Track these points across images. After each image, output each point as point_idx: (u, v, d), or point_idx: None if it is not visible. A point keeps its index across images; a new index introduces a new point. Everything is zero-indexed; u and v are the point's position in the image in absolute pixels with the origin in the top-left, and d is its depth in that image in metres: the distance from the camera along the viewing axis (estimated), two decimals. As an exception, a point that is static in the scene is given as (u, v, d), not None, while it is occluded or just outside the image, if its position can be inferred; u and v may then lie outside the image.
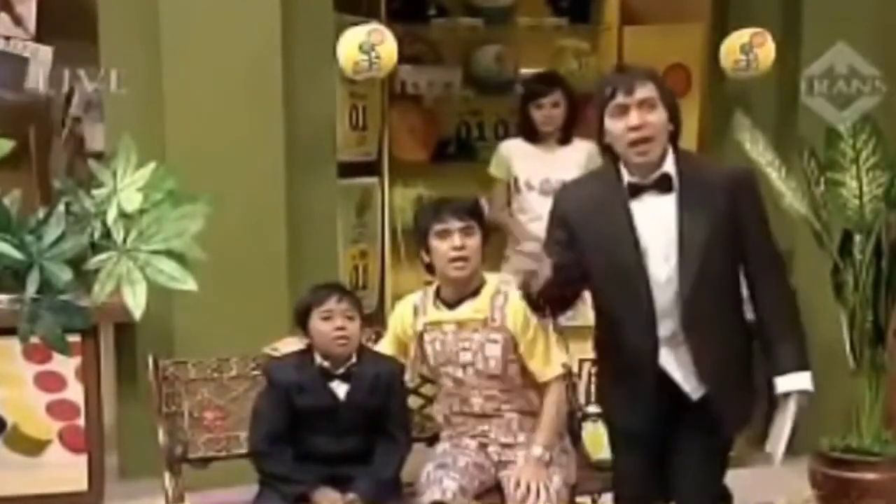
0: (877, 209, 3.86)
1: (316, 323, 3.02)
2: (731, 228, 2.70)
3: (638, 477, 2.92)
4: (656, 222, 2.71)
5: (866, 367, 3.92)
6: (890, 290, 3.90)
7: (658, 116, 2.67)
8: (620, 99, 2.67)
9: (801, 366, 2.77)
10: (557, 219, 2.88)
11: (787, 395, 2.77)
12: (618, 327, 2.81)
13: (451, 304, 3.09)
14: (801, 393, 2.77)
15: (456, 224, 3.03)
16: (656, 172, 2.71)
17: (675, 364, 2.77)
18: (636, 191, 2.72)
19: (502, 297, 3.06)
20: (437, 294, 3.14)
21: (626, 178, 2.74)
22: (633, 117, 2.66)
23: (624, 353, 2.81)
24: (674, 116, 2.72)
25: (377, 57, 4.17)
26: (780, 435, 2.82)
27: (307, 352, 3.07)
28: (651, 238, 2.71)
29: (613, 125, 2.69)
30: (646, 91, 2.67)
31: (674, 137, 2.74)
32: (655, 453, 2.86)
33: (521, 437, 3.08)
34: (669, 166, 2.72)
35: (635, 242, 2.71)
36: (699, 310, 2.71)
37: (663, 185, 2.71)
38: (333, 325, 3.00)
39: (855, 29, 4.37)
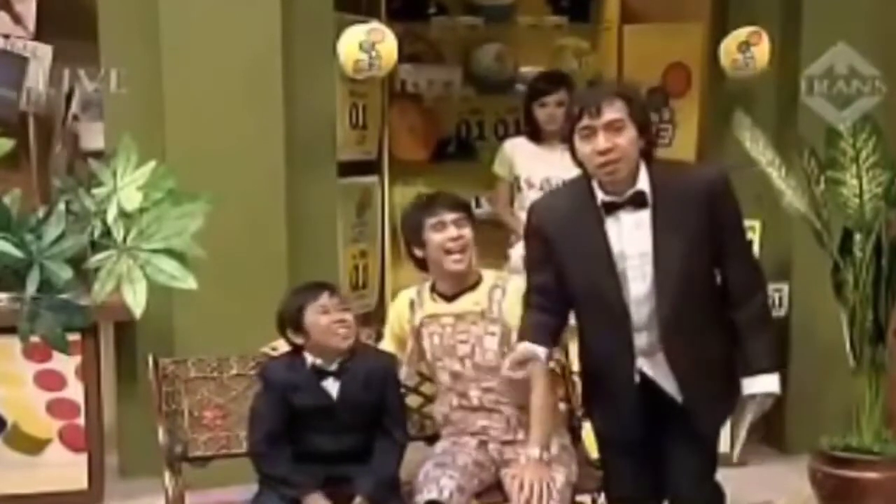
0: (877, 208, 3.86)
1: (314, 318, 3.00)
2: (708, 237, 2.69)
3: (628, 479, 2.92)
4: (631, 240, 2.70)
5: (866, 366, 3.93)
6: (890, 289, 3.91)
7: (626, 137, 2.64)
8: (587, 121, 2.65)
9: (769, 368, 2.77)
10: (533, 234, 2.87)
11: (752, 395, 2.77)
12: (596, 340, 2.83)
13: (449, 298, 3.12)
14: (767, 395, 2.78)
15: (449, 216, 3.07)
16: (630, 190, 2.69)
17: (655, 371, 2.78)
18: (610, 208, 2.70)
19: (500, 291, 3.09)
20: (433, 288, 3.16)
21: (600, 196, 2.71)
22: (601, 141, 2.63)
23: (604, 366, 2.83)
24: (645, 132, 2.69)
25: (377, 56, 4.18)
26: (740, 434, 2.89)
27: (298, 353, 3.07)
28: (627, 256, 2.70)
29: (582, 147, 2.68)
30: (613, 112, 2.63)
31: (646, 152, 2.72)
32: (644, 454, 2.86)
33: (521, 435, 3.08)
34: (643, 183, 2.69)
35: (611, 261, 2.70)
36: (677, 324, 2.71)
37: (637, 201, 2.69)
38: (333, 317, 3.00)
39: (855, 29, 4.37)
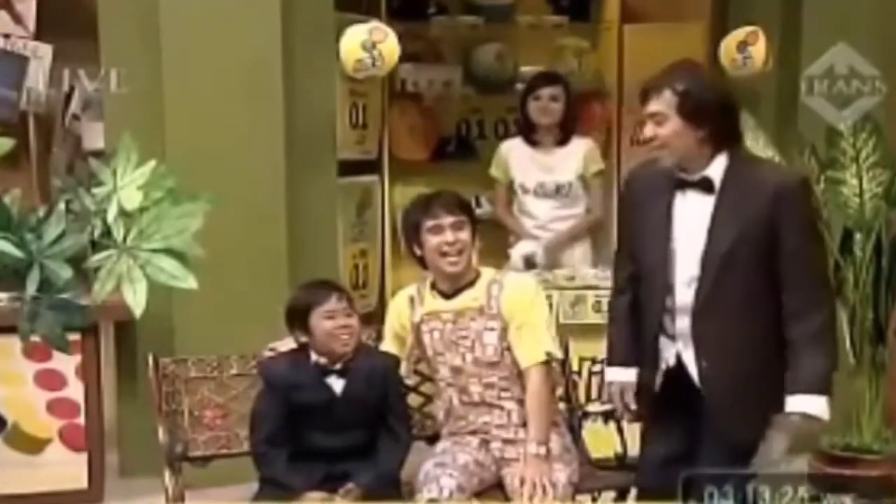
0: (877, 207, 3.86)
1: (319, 322, 3.03)
2: (765, 235, 2.67)
3: (660, 468, 2.89)
4: (692, 221, 2.74)
5: (866, 366, 3.93)
6: (890, 289, 3.91)
7: (668, 129, 2.70)
8: (643, 108, 2.77)
9: (816, 390, 2.67)
10: (624, 198, 3.06)
11: (790, 414, 2.68)
12: (642, 316, 2.87)
13: (448, 295, 3.13)
14: (809, 418, 2.68)
15: (447, 219, 3.08)
16: (700, 173, 2.74)
17: (687, 358, 2.79)
18: (682, 186, 2.77)
19: (498, 286, 3.11)
20: (433, 286, 3.18)
21: (677, 172, 2.77)
22: (646, 129, 2.75)
23: (644, 339, 2.87)
24: (705, 122, 2.68)
25: (379, 55, 4.18)
26: (769, 454, 2.71)
27: (301, 350, 3.08)
28: (684, 235, 2.75)
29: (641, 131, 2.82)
30: (656, 105, 2.72)
31: (720, 140, 2.72)
32: (682, 447, 2.84)
33: (522, 433, 3.08)
34: (714, 169, 2.73)
35: (668, 236, 2.76)
36: (714, 313, 2.70)
37: (704, 185, 2.73)
38: (337, 322, 3.02)
39: (855, 29, 4.37)
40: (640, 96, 2.79)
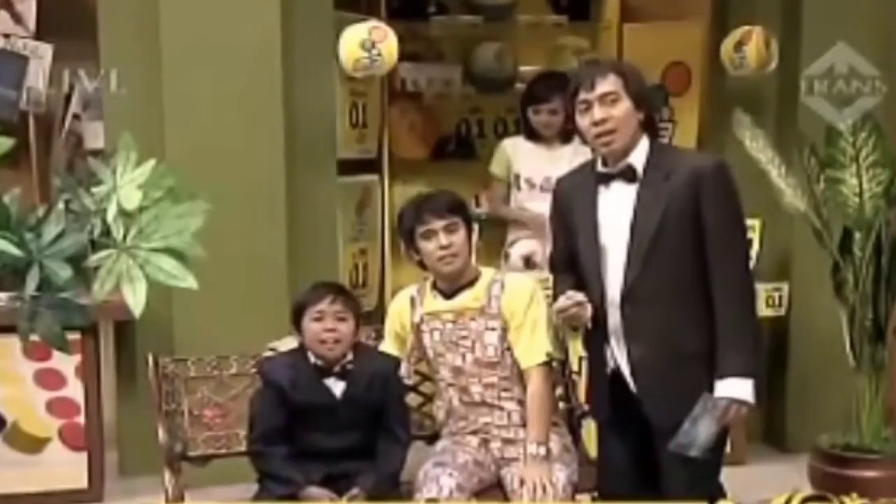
0: (877, 206, 3.86)
1: (307, 323, 3.03)
2: (689, 221, 2.67)
3: (621, 471, 2.91)
4: (618, 212, 2.74)
5: (866, 365, 3.93)
6: (890, 288, 3.91)
7: (621, 109, 2.71)
8: (583, 95, 2.73)
9: (744, 373, 2.66)
10: (553, 205, 2.99)
11: (720, 399, 2.67)
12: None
13: (449, 295, 3.13)
14: (738, 403, 2.67)
15: (438, 223, 3.06)
16: (623, 162, 2.75)
17: (619, 352, 2.80)
18: (605, 180, 2.77)
19: (498, 286, 3.10)
20: (434, 286, 3.18)
21: (598, 168, 2.80)
22: (596, 112, 2.71)
23: (590, 342, 2.89)
24: (643, 105, 2.75)
25: (378, 54, 4.18)
26: (696, 435, 2.66)
27: (301, 350, 3.08)
28: (611, 227, 2.75)
29: (580, 121, 2.76)
30: (607, 85, 2.71)
31: (647, 126, 2.78)
32: (639, 448, 2.85)
33: (522, 433, 3.08)
34: (636, 157, 2.75)
35: (595, 231, 2.77)
36: (640, 298, 2.70)
37: (628, 174, 2.74)
38: (323, 326, 3.01)
39: (855, 29, 4.36)
40: (576, 88, 2.75)
